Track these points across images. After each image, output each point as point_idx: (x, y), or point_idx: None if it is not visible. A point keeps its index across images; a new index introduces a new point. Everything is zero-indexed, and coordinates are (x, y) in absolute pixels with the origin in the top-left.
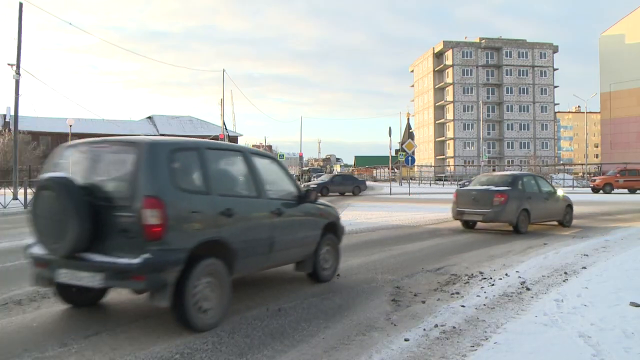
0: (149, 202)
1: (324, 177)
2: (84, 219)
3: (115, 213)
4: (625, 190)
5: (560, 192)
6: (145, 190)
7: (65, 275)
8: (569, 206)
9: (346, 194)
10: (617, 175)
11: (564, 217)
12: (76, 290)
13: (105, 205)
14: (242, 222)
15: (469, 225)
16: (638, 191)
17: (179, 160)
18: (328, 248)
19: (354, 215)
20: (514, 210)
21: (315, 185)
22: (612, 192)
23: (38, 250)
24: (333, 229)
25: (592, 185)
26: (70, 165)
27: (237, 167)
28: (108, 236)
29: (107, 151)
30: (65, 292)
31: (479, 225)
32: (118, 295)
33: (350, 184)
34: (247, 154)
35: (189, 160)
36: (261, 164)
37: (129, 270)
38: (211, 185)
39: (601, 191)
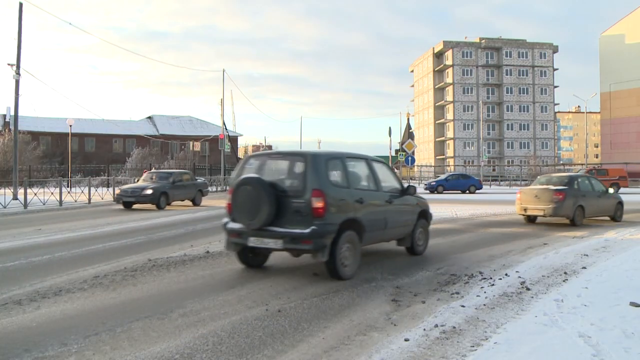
0: (315, 193)
1: None
2: (271, 204)
3: (291, 200)
4: None
5: (611, 190)
6: (313, 185)
7: (254, 242)
8: (620, 203)
9: None
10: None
11: (615, 213)
12: (251, 254)
13: (283, 195)
14: (368, 207)
15: (530, 220)
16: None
17: (331, 166)
18: (421, 229)
19: None
20: (570, 206)
21: None
22: None
23: (232, 225)
24: (425, 215)
25: None
26: (255, 168)
27: (363, 170)
28: (285, 215)
29: (281, 160)
30: (244, 256)
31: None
32: (118, 295)
33: None
34: (369, 160)
35: (337, 165)
36: (377, 166)
37: (302, 237)
38: (350, 182)
39: None
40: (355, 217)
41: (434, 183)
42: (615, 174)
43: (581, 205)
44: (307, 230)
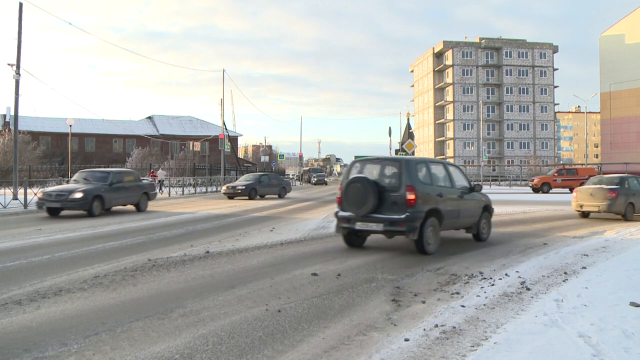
0: (409, 188)
1: (250, 177)
2: (375, 197)
3: (389, 194)
4: (567, 190)
5: None
6: (407, 182)
7: (360, 225)
8: None
9: (267, 196)
10: (555, 174)
11: None
12: (354, 237)
13: (383, 190)
14: (446, 200)
15: (584, 215)
16: None
17: (419, 168)
18: (485, 220)
19: None
20: (622, 203)
21: (244, 187)
22: (550, 191)
23: (343, 214)
24: (488, 209)
25: (531, 185)
26: (359, 170)
27: (441, 171)
28: (384, 205)
29: (380, 164)
30: (349, 237)
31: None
32: (118, 295)
33: (276, 186)
34: (446, 164)
35: (422, 168)
36: (452, 169)
37: (398, 221)
38: (432, 180)
39: (540, 191)
40: (436, 207)
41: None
42: (585, 174)
43: (632, 202)
44: (403, 216)
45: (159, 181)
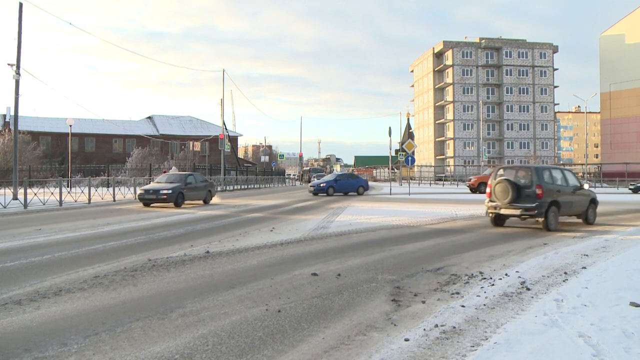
0: (538, 186)
1: (173, 177)
2: (514, 191)
3: (524, 190)
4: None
5: None
6: (537, 182)
7: (504, 211)
8: None
9: (191, 200)
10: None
11: None
12: (498, 219)
13: (520, 187)
14: (562, 195)
15: None
16: None
17: (544, 172)
18: (591, 210)
19: (354, 215)
20: None
21: (170, 191)
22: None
23: (492, 203)
24: (594, 201)
25: (468, 185)
26: (501, 173)
27: (559, 175)
28: (521, 197)
29: (516, 169)
30: (495, 219)
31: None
32: (118, 295)
33: (203, 189)
34: (562, 170)
35: (547, 172)
36: (567, 172)
37: (530, 208)
38: (553, 181)
39: (477, 191)
40: (556, 199)
41: (323, 185)
42: None
43: None
44: (534, 205)
45: None
